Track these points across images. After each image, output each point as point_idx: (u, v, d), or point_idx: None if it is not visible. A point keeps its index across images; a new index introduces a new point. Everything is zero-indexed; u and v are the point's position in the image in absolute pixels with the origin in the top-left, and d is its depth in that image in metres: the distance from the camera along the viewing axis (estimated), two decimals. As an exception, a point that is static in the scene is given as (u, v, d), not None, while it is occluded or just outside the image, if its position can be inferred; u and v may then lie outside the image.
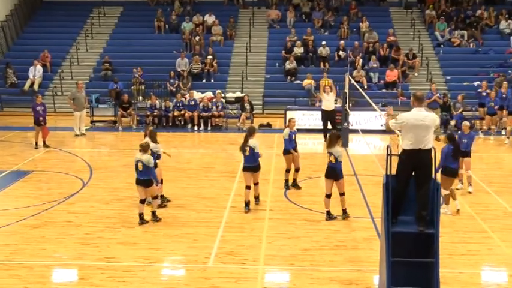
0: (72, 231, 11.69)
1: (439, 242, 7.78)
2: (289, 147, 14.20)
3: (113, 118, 23.55)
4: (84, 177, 15.69)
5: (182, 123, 23.19)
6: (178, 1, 31.23)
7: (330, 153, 12.02)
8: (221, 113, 23.06)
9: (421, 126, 7.86)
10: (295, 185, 14.64)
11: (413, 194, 8.01)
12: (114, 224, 12.08)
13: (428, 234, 7.79)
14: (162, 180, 13.26)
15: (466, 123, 14.40)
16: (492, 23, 29.74)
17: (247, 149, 12.59)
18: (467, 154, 13.83)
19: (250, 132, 12.84)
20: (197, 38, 28.29)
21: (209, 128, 22.88)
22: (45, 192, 14.42)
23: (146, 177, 11.90)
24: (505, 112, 20.95)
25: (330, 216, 12.26)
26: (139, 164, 11.86)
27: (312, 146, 20.31)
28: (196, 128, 22.79)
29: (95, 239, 11.25)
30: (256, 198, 13.24)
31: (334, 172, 12.04)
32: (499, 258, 10.44)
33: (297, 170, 14.52)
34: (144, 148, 12.03)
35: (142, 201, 12.08)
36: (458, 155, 12.55)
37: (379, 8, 31.89)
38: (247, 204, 12.84)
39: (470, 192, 14.03)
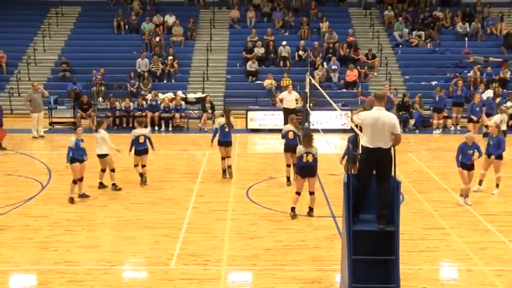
0: (31, 235, 11.47)
1: (399, 239, 7.88)
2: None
3: (72, 120, 23.20)
4: (43, 179, 15.41)
5: (143, 124, 22.92)
6: (138, 1, 30.95)
7: (308, 153, 12.11)
8: (182, 114, 22.96)
9: (377, 125, 7.95)
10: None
11: (374, 193, 8.11)
12: (74, 227, 11.90)
13: (388, 232, 7.89)
14: (113, 169, 14.53)
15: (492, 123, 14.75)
16: (448, 23, 30.37)
17: (227, 127, 15.22)
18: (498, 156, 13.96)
19: (227, 113, 15.52)
20: (157, 38, 28.08)
21: (170, 128, 22.74)
22: (2, 195, 14.09)
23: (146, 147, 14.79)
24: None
25: (294, 212, 12.35)
26: (141, 137, 14.67)
27: (273, 146, 20.37)
28: (157, 128, 22.63)
29: (54, 243, 11.06)
30: (229, 167, 15.56)
31: (311, 170, 12.19)
32: (456, 254, 10.65)
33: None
34: (141, 122, 15.43)
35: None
36: None
37: (339, 8, 32.21)
38: (224, 171, 15.49)
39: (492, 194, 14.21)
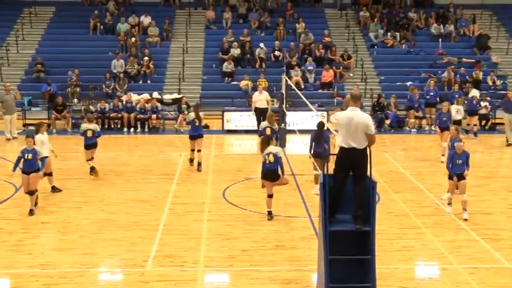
0: (4, 238, 11.30)
1: (375, 239, 7.94)
2: None
3: (46, 121, 22.91)
4: (17, 182, 15.17)
5: (119, 126, 22.83)
6: (114, 2, 30.71)
7: (268, 153, 12.13)
8: (158, 115, 22.85)
9: (351, 125, 8.00)
10: None
11: (350, 193, 8.14)
12: (49, 230, 11.77)
13: (364, 231, 7.94)
14: (51, 173, 14.31)
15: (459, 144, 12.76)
16: (422, 25, 30.71)
17: (197, 121, 16.13)
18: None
19: (195, 108, 16.69)
20: (133, 39, 27.91)
21: (146, 130, 22.62)
22: (-25, 198, 13.90)
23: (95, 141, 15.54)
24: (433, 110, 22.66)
25: (271, 215, 12.36)
26: (89, 132, 15.27)
27: (250, 147, 20.37)
28: (133, 130, 22.49)
29: (28, 246, 10.92)
30: (199, 164, 16.28)
31: (275, 171, 12.19)
32: (431, 253, 10.75)
33: None
34: (90, 119, 15.96)
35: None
36: None
37: (315, 9, 32.35)
38: (191, 160, 16.49)
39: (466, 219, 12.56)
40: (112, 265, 10.21)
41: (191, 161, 16.66)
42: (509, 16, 31.51)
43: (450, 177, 12.63)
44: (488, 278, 9.70)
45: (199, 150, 16.38)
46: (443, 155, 16.95)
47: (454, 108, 20.24)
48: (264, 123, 15.38)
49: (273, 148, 12.26)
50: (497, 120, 23.25)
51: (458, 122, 19.67)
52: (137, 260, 10.32)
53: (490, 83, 26.28)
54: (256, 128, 20.81)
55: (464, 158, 12.52)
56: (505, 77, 27.34)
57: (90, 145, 15.55)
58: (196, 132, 16.30)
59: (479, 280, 9.58)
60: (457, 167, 12.51)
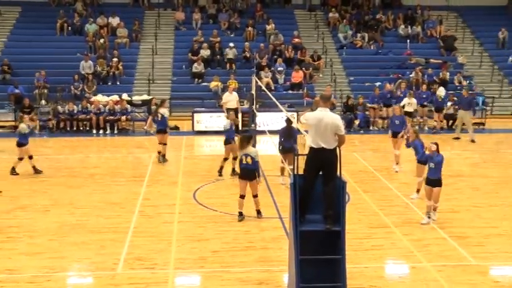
0: (-30, 243, 11.11)
1: (345, 238, 7.99)
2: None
3: (13, 123, 22.58)
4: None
5: (87, 128, 22.58)
6: (81, 2, 30.36)
7: (247, 155, 12.13)
8: (127, 116, 22.67)
9: (320, 125, 8.05)
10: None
11: (321, 193, 8.18)
12: (16, 234, 11.57)
13: (334, 231, 7.98)
14: None
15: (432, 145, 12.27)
16: (390, 25, 31.05)
17: (159, 115, 17.22)
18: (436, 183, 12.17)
19: (162, 102, 17.93)
20: (102, 40, 27.64)
21: (115, 131, 22.42)
22: None
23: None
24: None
25: (242, 216, 12.37)
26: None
27: (220, 148, 20.27)
28: (102, 132, 22.27)
29: (-5, 250, 10.75)
30: (163, 156, 17.42)
31: (251, 173, 12.19)
32: (400, 252, 10.87)
33: (235, 158, 15.60)
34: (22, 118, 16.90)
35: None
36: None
37: (284, 10, 32.46)
38: (159, 152, 17.42)
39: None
40: (81, 269, 10.09)
41: (159, 152, 17.50)
42: (474, 18, 32.08)
43: (426, 183, 12.33)
44: (456, 275, 9.85)
45: (164, 144, 17.50)
46: (397, 163, 16.57)
47: (405, 101, 21.40)
48: (228, 121, 15.82)
49: (252, 150, 12.25)
50: (472, 120, 23.61)
51: (409, 114, 21.01)
52: (107, 263, 10.22)
53: (457, 83, 26.71)
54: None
55: (436, 161, 12.02)
56: (471, 77, 27.81)
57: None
58: (159, 127, 17.44)
59: (447, 277, 9.72)
60: (429, 172, 12.17)
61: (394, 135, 16.41)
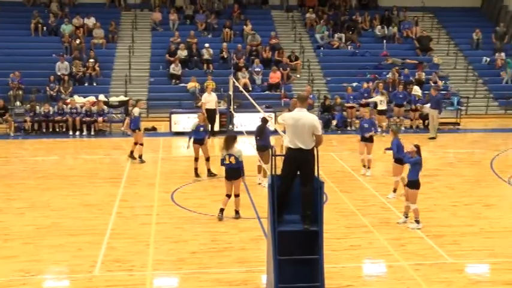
0: None
1: (323, 238, 8.02)
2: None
3: (-13, 125, 22.31)
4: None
5: (64, 129, 22.37)
6: (57, 2, 30.05)
7: (230, 155, 12.12)
8: (104, 117, 22.51)
9: (298, 125, 8.08)
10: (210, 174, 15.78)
11: (298, 193, 8.21)
12: (-10, 237, 11.43)
13: (312, 231, 8.02)
14: None
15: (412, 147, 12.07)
16: (367, 26, 31.25)
17: (132, 113, 17.67)
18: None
19: (136, 102, 18.48)
20: (78, 40, 27.39)
21: (92, 133, 22.25)
22: None
23: None
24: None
25: (222, 214, 12.40)
26: None
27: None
28: (78, 133, 22.08)
29: (-31, 254, 10.59)
30: (140, 157, 17.63)
31: (235, 172, 12.23)
32: (378, 251, 10.95)
33: (207, 159, 15.73)
34: None
35: None
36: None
37: (261, 11, 32.47)
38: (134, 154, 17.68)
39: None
40: (58, 272, 9.99)
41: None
42: (449, 19, 32.44)
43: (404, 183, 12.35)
44: (432, 273, 9.95)
45: (136, 143, 17.70)
46: (364, 166, 16.22)
47: (377, 99, 22.01)
48: (196, 121, 15.77)
49: (236, 150, 12.27)
50: (439, 120, 23.83)
51: (382, 112, 21.74)
52: (84, 265, 10.13)
53: (433, 84, 26.94)
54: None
55: (411, 162, 11.93)
56: (446, 77, 28.11)
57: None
58: (132, 127, 17.81)
59: (424, 276, 9.81)
60: (408, 173, 12.12)
61: (363, 139, 16.08)
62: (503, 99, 27.45)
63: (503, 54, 29.34)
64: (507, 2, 32.63)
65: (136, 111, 17.75)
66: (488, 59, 29.71)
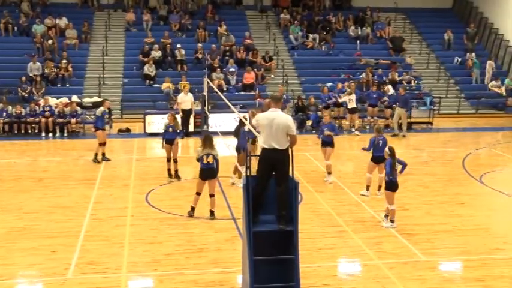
0: None
1: (298, 238, 8.05)
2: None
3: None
4: None
5: (36, 130, 22.09)
6: (28, 2, 29.65)
7: (209, 154, 12.13)
8: (78, 119, 22.28)
9: (272, 126, 8.10)
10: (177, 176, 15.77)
11: (273, 193, 8.22)
12: (-39, 241, 11.25)
13: (287, 231, 8.04)
14: None
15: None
16: (341, 27, 31.43)
17: (99, 112, 17.54)
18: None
19: (102, 101, 18.47)
20: (50, 41, 27.08)
21: (65, 134, 22.01)
22: None
23: None
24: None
25: (193, 211, 12.48)
26: None
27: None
28: (51, 134, 21.83)
29: None
30: (103, 154, 17.70)
31: (212, 172, 12.24)
32: (352, 250, 11.02)
33: (175, 160, 15.75)
34: None
35: None
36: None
37: (235, 11, 32.44)
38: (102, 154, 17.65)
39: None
40: (31, 275, 9.87)
41: (102, 155, 17.65)
42: (421, 19, 32.80)
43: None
44: (407, 271, 10.05)
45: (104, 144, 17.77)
46: (329, 173, 15.63)
47: (345, 98, 22.62)
48: (166, 122, 15.79)
49: (215, 150, 12.32)
50: (412, 119, 24.12)
51: (352, 111, 22.44)
52: (58, 268, 10.03)
53: (406, 84, 27.19)
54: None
55: (386, 163, 12.12)
56: (419, 77, 28.42)
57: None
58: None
59: (398, 274, 9.91)
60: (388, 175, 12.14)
61: (324, 144, 15.60)
62: (474, 99, 27.86)
63: (473, 54, 29.78)
64: (477, 3, 33.12)
65: (99, 110, 17.65)
66: (459, 59, 30.15)
